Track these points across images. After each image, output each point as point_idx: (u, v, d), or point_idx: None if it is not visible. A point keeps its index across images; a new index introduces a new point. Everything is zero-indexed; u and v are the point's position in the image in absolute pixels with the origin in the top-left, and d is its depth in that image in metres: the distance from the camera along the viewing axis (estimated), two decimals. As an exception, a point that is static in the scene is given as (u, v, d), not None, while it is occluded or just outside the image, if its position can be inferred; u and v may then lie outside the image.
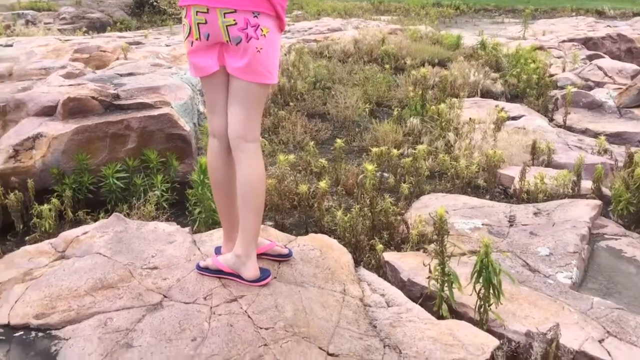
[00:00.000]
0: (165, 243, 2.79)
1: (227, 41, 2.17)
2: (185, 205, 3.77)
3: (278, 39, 2.27)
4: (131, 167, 3.85)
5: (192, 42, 2.24)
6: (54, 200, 3.54)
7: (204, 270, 2.51)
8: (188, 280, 2.48)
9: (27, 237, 3.50)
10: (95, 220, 3.48)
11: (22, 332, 2.23)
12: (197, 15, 2.15)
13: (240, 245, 2.39)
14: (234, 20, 2.11)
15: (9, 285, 2.60)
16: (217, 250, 2.67)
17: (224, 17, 2.11)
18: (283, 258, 2.67)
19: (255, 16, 2.11)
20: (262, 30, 2.14)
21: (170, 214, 3.78)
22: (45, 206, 3.46)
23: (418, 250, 3.26)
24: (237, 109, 2.29)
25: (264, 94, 2.35)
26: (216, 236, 2.90)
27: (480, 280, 2.32)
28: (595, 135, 5.69)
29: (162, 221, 3.46)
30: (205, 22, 2.15)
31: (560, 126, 6.05)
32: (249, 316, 2.23)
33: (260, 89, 2.27)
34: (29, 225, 3.56)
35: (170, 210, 3.80)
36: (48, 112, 3.93)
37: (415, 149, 4.58)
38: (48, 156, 3.68)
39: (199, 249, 2.76)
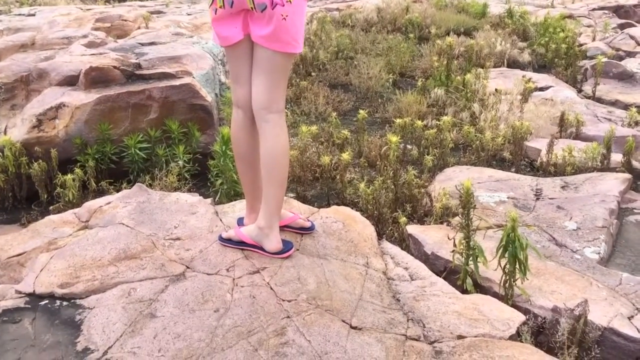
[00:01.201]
0: (188, 214, 2.78)
1: (251, 8, 2.10)
2: (207, 177, 3.76)
3: (304, 5, 2.18)
4: (153, 137, 3.84)
5: (216, 10, 2.18)
6: (77, 170, 3.56)
7: (227, 241, 2.50)
8: (210, 251, 2.48)
9: (51, 207, 3.53)
10: (117, 191, 3.50)
11: (47, 301, 2.26)
12: None
13: (263, 217, 2.37)
14: None
15: (34, 254, 2.62)
16: (240, 222, 2.66)
17: None
18: (305, 231, 2.64)
19: None
20: None
21: (192, 184, 3.78)
22: (69, 176, 3.48)
23: (442, 223, 3.22)
24: (261, 79, 2.23)
25: (289, 63, 2.28)
26: (238, 207, 2.89)
27: (506, 255, 2.28)
28: (626, 107, 5.53)
29: (184, 192, 3.47)
30: None
31: (589, 97, 5.88)
32: (271, 288, 2.22)
33: (285, 58, 2.20)
34: (53, 194, 3.60)
35: (192, 181, 3.80)
36: (70, 81, 3.93)
37: (439, 121, 4.49)
38: (71, 126, 3.68)
39: (221, 220, 2.75)
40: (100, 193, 3.59)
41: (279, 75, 2.25)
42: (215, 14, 2.20)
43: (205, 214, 2.79)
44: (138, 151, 3.74)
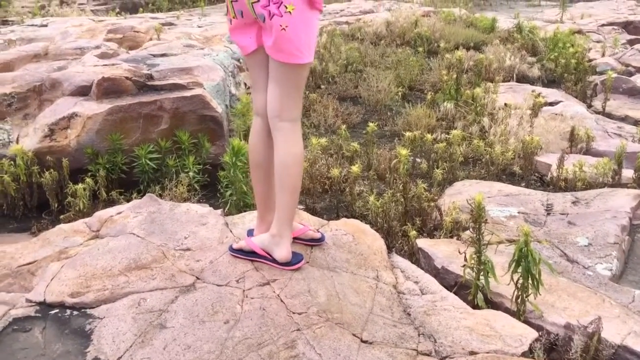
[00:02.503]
0: (198, 225, 2.79)
1: (255, 19, 2.18)
2: (216, 187, 3.77)
3: (310, 16, 2.18)
4: (163, 148, 3.86)
5: (231, 20, 2.28)
6: (88, 179, 3.57)
7: (237, 252, 2.50)
8: (221, 262, 2.48)
9: (61, 216, 3.55)
10: (127, 201, 3.51)
11: (57, 310, 2.26)
12: None
13: (275, 225, 2.38)
14: None
15: (45, 262, 2.63)
16: (250, 233, 2.66)
17: None
18: (316, 242, 2.64)
19: None
20: (286, 7, 2.08)
21: (201, 195, 3.78)
22: (80, 185, 3.49)
23: (451, 237, 3.20)
24: (273, 87, 2.28)
25: (298, 73, 2.28)
26: (248, 219, 2.89)
27: (519, 270, 2.26)
28: (636, 122, 5.51)
29: (193, 203, 3.47)
30: (236, 1, 2.19)
31: (599, 113, 5.87)
32: (281, 300, 2.22)
33: (291, 68, 2.22)
34: (63, 204, 3.61)
35: (201, 191, 3.81)
36: (83, 91, 3.96)
37: (448, 134, 4.48)
38: (83, 136, 3.71)
39: (231, 231, 2.75)
40: (110, 203, 3.60)
41: (289, 85, 2.27)
42: (231, 23, 2.29)
43: (215, 224, 2.79)
44: (148, 161, 3.75)
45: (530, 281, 2.25)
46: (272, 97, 2.29)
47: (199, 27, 6.73)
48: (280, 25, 2.10)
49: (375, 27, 8.54)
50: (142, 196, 3.47)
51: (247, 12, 2.18)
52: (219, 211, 2.99)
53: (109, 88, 3.90)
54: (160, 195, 3.53)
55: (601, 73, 6.91)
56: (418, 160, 4.29)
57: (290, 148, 2.30)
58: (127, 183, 3.79)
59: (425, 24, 8.62)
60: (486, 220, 2.40)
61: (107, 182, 3.69)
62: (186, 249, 2.60)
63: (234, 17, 2.24)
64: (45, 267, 2.55)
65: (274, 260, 2.41)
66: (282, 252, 2.39)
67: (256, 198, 2.56)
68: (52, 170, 3.61)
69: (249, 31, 2.24)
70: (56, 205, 3.65)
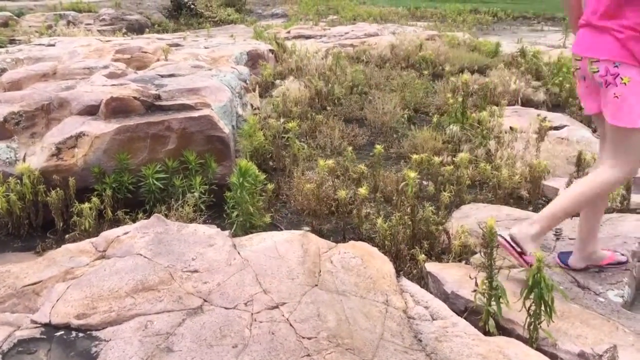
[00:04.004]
0: (206, 246, 2.76)
1: (596, 85, 2.51)
2: (222, 208, 3.75)
3: None
4: (170, 168, 3.85)
5: (577, 83, 2.69)
6: (94, 199, 3.56)
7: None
8: (228, 284, 2.45)
9: (66, 235, 3.53)
10: (133, 221, 3.49)
11: (62, 332, 2.23)
12: (575, 61, 2.60)
13: (541, 217, 2.71)
14: (597, 68, 2.44)
15: (50, 283, 2.60)
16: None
17: (591, 65, 2.47)
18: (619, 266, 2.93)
19: (616, 66, 2.38)
20: (622, 79, 2.37)
21: (207, 216, 3.77)
22: (86, 205, 3.48)
23: (460, 261, 3.17)
24: (608, 145, 2.60)
25: (630, 136, 2.46)
26: (256, 240, 2.86)
27: (531, 296, 2.23)
28: (642, 147, 5.49)
29: (199, 223, 3.46)
30: (579, 68, 2.60)
31: (604, 137, 5.86)
32: (290, 324, 2.18)
33: (624, 131, 2.45)
34: (69, 223, 3.59)
35: (207, 212, 3.79)
36: (91, 111, 3.97)
37: (455, 157, 4.47)
38: (90, 155, 3.71)
39: (239, 253, 2.72)
40: (115, 222, 3.58)
41: (623, 145, 2.50)
42: (578, 85, 2.69)
43: (223, 246, 2.77)
44: (155, 181, 3.74)
45: (542, 308, 2.22)
46: (607, 153, 2.60)
47: (206, 48, 6.78)
48: (614, 94, 2.41)
49: (380, 50, 8.60)
50: (148, 216, 3.46)
51: (588, 79, 2.55)
52: (227, 232, 2.97)
53: (117, 108, 3.91)
54: (166, 216, 3.51)
55: (606, 98, 6.92)
56: (425, 183, 4.28)
57: (594, 180, 2.60)
58: (133, 203, 3.77)
59: (430, 47, 8.68)
60: (498, 245, 2.37)
61: (113, 202, 3.68)
62: (194, 270, 2.57)
63: (579, 81, 2.65)
64: (51, 287, 2.53)
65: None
66: (528, 246, 2.66)
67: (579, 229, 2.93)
68: (58, 189, 3.59)
69: (592, 95, 2.58)
70: (61, 225, 3.63)
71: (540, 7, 19.96)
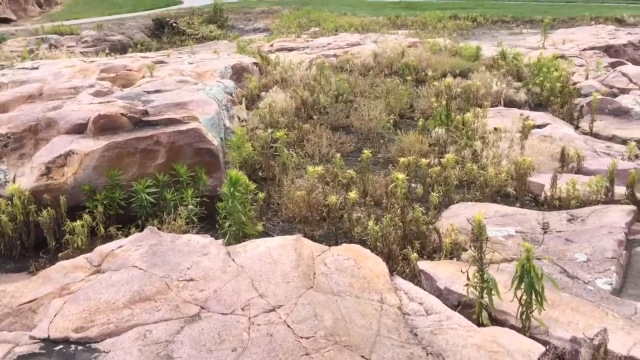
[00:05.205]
0: (200, 255, 2.79)
1: None
2: (214, 219, 3.77)
3: None
4: (161, 182, 3.88)
5: None
6: (86, 216, 3.57)
7: None
8: (225, 291, 2.48)
9: (59, 254, 3.53)
10: (126, 236, 3.51)
11: (62, 346, 2.24)
12: None
13: None
14: None
15: (47, 299, 2.62)
16: None
17: None
18: None
19: None
20: None
21: (200, 227, 3.79)
22: (78, 222, 3.49)
23: (451, 258, 3.22)
24: None
25: None
26: (250, 247, 2.90)
27: (522, 286, 2.28)
28: (623, 141, 5.60)
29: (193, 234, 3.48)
30: None
31: (586, 133, 5.96)
32: (288, 326, 2.21)
33: None
34: (61, 242, 3.60)
35: (200, 224, 3.81)
36: (79, 129, 3.99)
37: (441, 159, 4.54)
38: (80, 173, 3.72)
39: (233, 260, 2.75)
40: (108, 239, 3.59)
41: None
42: None
43: (217, 254, 2.80)
44: (147, 196, 3.76)
45: (533, 297, 2.27)
46: None
47: (190, 63, 6.82)
48: None
49: (363, 58, 8.70)
50: (140, 231, 3.47)
51: None
52: (220, 241, 3.01)
53: (105, 125, 3.94)
54: (159, 229, 3.53)
55: (586, 95, 7.05)
56: (413, 185, 4.34)
57: None
58: (125, 218, 3.79)
59: (412, 54, 8.79)
60: (487, 238, 2.42)
61: (105, 218, 3.69)
62: (189, 279, 2.60)
63: None
64: (47, 304, 2.54)
65: None
66: None
67: None
68: (49, 208, 3.60)
69: None
70: (54, 244, 3.64)
71: (519, 11, 20.28)
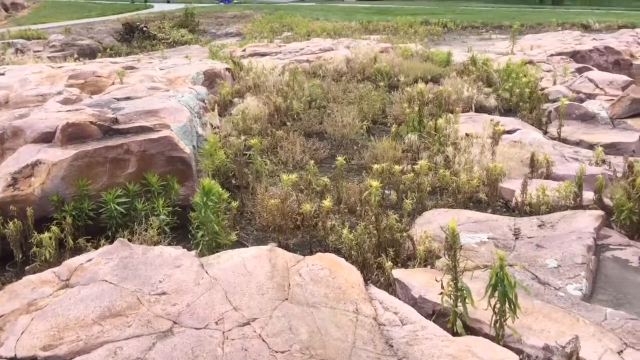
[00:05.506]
0: (172, 267, 2.75)
1: None
2: (187, 229, 3.72)
3: None
4: (132, 191, 3.81)
5: None
6: (54, 228, 3.48)
7: None
8: (198, 305, 2.44)
9: (26, 267, 3.44)
10: (95, 248, 3.43)
11: (29, 364, 2.18)
12: None
13: None
14: None
15: (13, 316, 2.54)
16: None
17: None
18: None
19: None
20: None
21: (172, 238, 3.73)
22: (46, 234, 3.40)
23: (425, 266, 3.24)
24: None
25: None
26: (224, 258, 2.86)
27: (496, 294, 2.30)
28: (590, 146, 5.72)
29: (164, 245, 3.42)
30: None
31: (554, 138, 6.07)
32: (263, 340, 2.19)
33: None
34: (28, 254, 3.50)
35: (172, 234, 3.75)
36: (46, 138, 3.90)
37: (415, 165, 4.57)
38: (47, 183, 3.63)
39: (207, 272, 2.72)
40: (77, 251, 3.51)
41: None
42: None
43: (190, 266, 2.76)
44: (117, 206, 3.69)
45: (507, 305, 2.29)
46: None
47: (161, 69, 6.75)
48: None
49: (336, 64, 8.71)
50: (110, 242, 3.41)
51: None
52: (193, 252, 2.96)
53: (73, 133, 3.85)
54: (130, 240, 3.46)
55: (554, 100, 7.19)
56: (387, 191, 4.35)
57: None
58: (94, 229, 3.71)
59: (384, 60, 8.85)
60: (461, 246, 2.44)
61: (73, 230, 3.60)
62: (161, 293, 2.55)
63: None
64: (14, 320, 2.47)
65: None
66: None
67: None
68: (15, 220, 3.50)
69: None
70: (21, 256, 3.54)
71: (488, 17, 20.62)
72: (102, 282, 2.64)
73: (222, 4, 28.59)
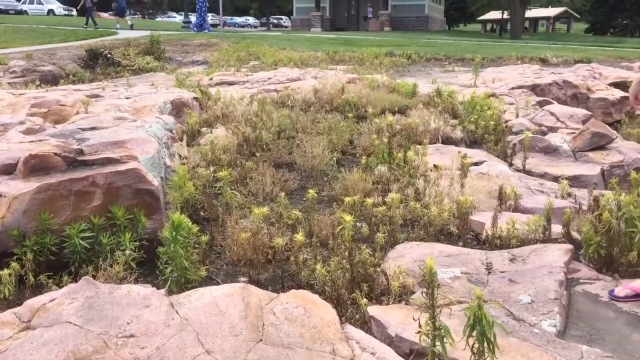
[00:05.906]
0: (141, 307, 2.63)
1: None
2: (154, 264, 3.61)
3: None
4: (97, 225, 3.67)
5: None
6: (14, 264, 3.32)
7: (622, 298, 3.08)
8: (169, 348, 2.34)
9: (-17, 306, 3.26)
10: (58, 284, 3.29)
11: (-15, 416, 2.03)
12: None
13: None
14: None
15: (-32, 361, 2.38)
16: (611, 292, 3.21)
17: None
18: None
19: None
20: None
21: (139, 273, 3.60)
22: (5, 271, 3.24)
23: (400, 302, 3.21)
24: None
25: None
26: (194, 297, 2.76)
27: (474, 334, 2.27)
28: (554, 178, 5.86)
29: (131, 282, 3.31)
30: None
31: (520, 170, 6.20)
32: (238, 385, 2.10)
33: None
34: (-15, 292, 3.32)
35: (139, 269, 3.62)
36: (7, 170, 3.74)
37: (385, 197, 4.57)
38: (8, 217, 3.48)
39: (177, 312, 2.62)
40: (38, 288, 3.35)
41: None
42: None
43: (160, 306, 2.65)
44: (81, 241, 3.55)
45: (485, 345, 2.26)
46: None
47: (127, 98, 6.64)
48: None
49: (304, 94, 8.75)
50: (73, 278, 3.27)
51: None
52: (163, 291, 2.85)
53: (36, 165, 3.71)
54: (94, 276, 3.33)
55: (517, 133, 7.36)
56: (359, 224, 4.33)
57: None
58: (57, 265, 3.55)
59: (352, 91, 8.94)
60: (439, 284, 2.41)
61: (34, 266, 3.44)
62: (130, 335, 2.44)
63: None
64: (-31, 367, 2.31)
65: None
66: None
67: None
68: (-28, 256, 3.33)
69: None
70: (-23, 295, 3.35)
71: (450, 49, 21.18)
72: (66, 324, 2.51)
73: (194, 31, 28.50)
